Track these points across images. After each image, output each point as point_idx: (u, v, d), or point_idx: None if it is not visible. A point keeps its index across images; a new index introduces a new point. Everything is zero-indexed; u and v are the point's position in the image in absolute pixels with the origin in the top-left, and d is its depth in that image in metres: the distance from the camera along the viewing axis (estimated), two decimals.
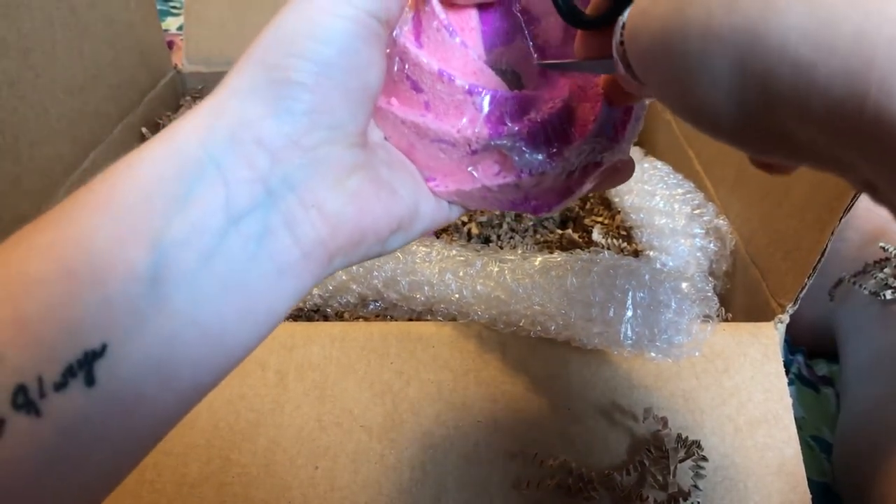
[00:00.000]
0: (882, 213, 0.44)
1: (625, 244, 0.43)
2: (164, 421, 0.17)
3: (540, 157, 0.21)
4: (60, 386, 0.15)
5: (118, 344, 0.15)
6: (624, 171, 0.23)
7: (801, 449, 0.30)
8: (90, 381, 0.15)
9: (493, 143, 0.21)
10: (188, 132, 0.17)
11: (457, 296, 0.33)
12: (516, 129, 0.21)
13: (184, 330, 0.16)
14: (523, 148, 0.21)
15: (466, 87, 0.21)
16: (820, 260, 0.31)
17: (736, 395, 0.31)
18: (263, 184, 0.18)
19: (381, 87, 0.20)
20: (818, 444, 0.41)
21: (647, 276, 0.32)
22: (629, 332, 0.31)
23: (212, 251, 0.17)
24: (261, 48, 0.18)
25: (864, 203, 0.44)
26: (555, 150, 0.21)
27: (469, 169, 0.22)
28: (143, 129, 0.58)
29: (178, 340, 0.16)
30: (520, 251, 0.38)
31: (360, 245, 0.20)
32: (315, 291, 0.38)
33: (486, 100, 0.21)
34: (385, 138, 0.23)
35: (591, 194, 0.50)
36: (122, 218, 0.16)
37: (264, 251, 0.18)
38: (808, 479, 0.30)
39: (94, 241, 0.16)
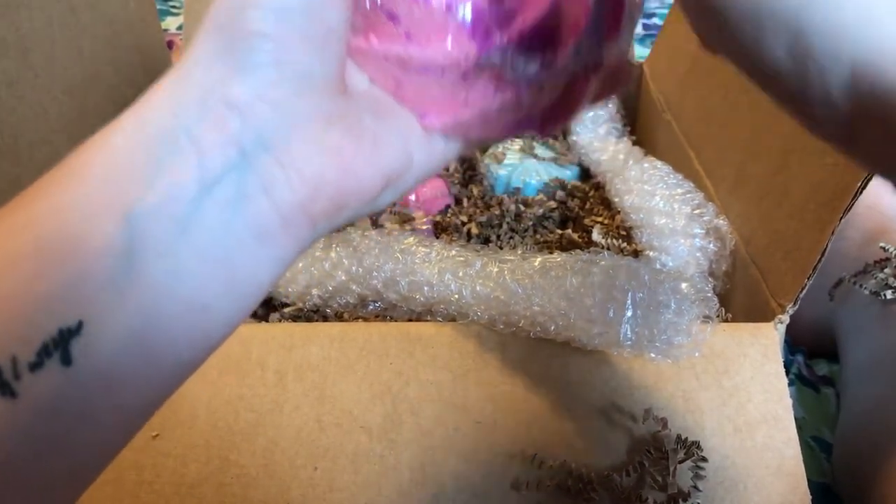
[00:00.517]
0: (883, 212, 0.44)
1: (624, 244, 0.43)
2: (149, 399, 0.17)
3: (535, 65, 0.20)
4: (36, 366, 0.14)
5: (95, 321, 0.15)
6: (623, 73, 0.22)
7: (801, 449, 0.30)
8: (67, 359, 0.15)
9: (483, 60, 0.20)
10: (157, 103, 0.17)
11: (456, 296, 0.33)
12: (505, 39, 0.20)
13: (164, 304, 0.16)
14: (516, 59, 0.20)
15: (444, 3, 0.20)
16: (820, 260, 0.31)
17: (736, 396, 0.31)
18: (236, 146, 0.17)
19: (347, 27, 0.19)
20: (818, 445, 0.41)
21: (646, 277, 0.32)
22: (629, 333, 0.31)
23: (187, 220, 0.16)
24: (216, 12, 0.18)
25: (865, 202, 0.44)
26: (549, 56, 0.20)
27: (463, 95, 0.21)
28: None
29: (158, 315, 0.16)
30: (519, 251, 0.38)
31: (345, 207, 0.19)
32: (315, 292, 0.38)
33: (468, 11, 0.20)
34: (371, 82, 0.21)
35: (591, 194, 0.50)
36: (94, 192, 0.16)
37: (241, 218, 0.17)
38: (808, 480, 0.30)
39: (67, 216, 0.15)
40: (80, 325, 0.15)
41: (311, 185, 0.18)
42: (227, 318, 0.18)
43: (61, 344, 0.15)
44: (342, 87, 0.19)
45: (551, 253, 0.36)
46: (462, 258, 0.35)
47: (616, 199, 0.46)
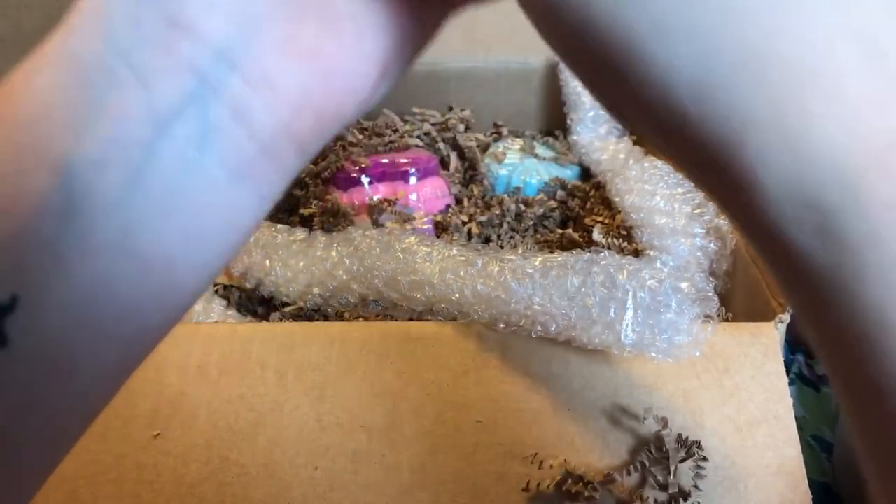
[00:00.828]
0: None
1: (625, 244, 0.43)
2: (110, 376, 0.15)
3: None
4: None
5: (33, 293, 0.13)
6: None
7: (802, 449, 0.30)
8: (2, 340, 0.13)
9: None
10: (83, 27, 0.14)
11: (457, 295, 0.33)
12: None
13: (117, 266, 0.14)
14: None
15: None
16: None
17: (736, 395, 0.31)
18: (192, 71, 0.14)
19: None
20: (819, 444, 0.41)
21: (647, 276, 0.32)
22: (629, 332, 0.31)
23: (139, 168, 0.13)
24: None
25: None
26: None
27: None
28: None
29: (112, 280, 0.14)
30: (520, 251, 0.38)
31: (337, 116, 0.16)
32: (316, 291, 0.38)
33: None
34: None
35: (591, 194, 0.50)
36: (19, 141, 0.13)
37: (210, 155, 0.14)
38: (809, 479, 0.30)
39: None
40: (13, 300, 0.13)
41: (292, 101, 0.15)
42: (198, 273, 0.15)
43: None
44: None
45: (552, 252, 0.36)
46: (463, 257, 0.35)
47: (616, 199, 0.46)
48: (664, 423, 0.30)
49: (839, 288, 0.12)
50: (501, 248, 0.45)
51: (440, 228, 0.48)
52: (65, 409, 0.14)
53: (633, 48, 0.12)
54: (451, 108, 0.60)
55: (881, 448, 0.13)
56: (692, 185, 0.45)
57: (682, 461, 0.29)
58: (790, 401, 0.31)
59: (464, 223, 0.48)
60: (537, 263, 0.33)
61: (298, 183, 0.49)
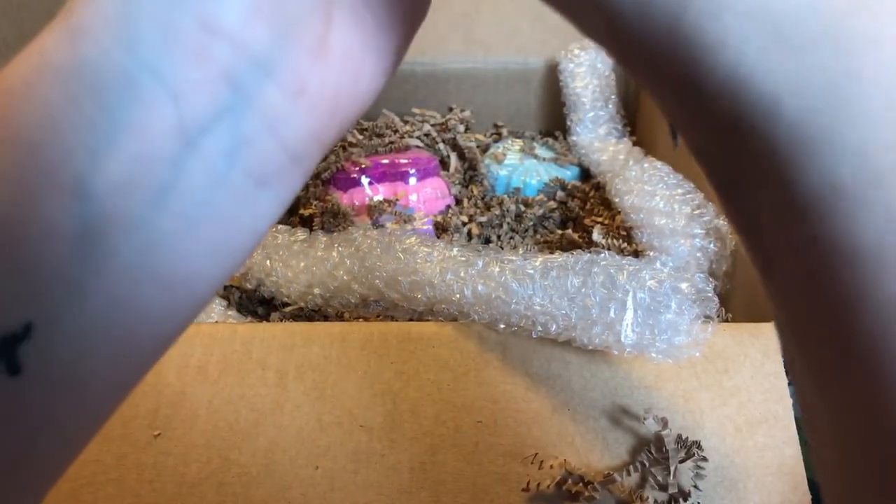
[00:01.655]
0: None
1: (625, 244, 0.43)
2: (119, 389, 0.15)
3: None
4: None
5: (47, 321, 0.12)
6: None
7: (802, 448, 0.30)
8: (14, 368, 0.12)
9: None
10: (97, 31, 0.12)
11: (458, 296, 0.33)
12: None
13: (139, 287, 0.13)
14: None
15: None
16: None
17: (736, 396, 0.31)
18: (228, 80, 0.13)
19: None
20: None
21: (647, 277, 0.32)
22: (629, 333, 0.31)
23: (166, 187, 0.13)
24: None
25: None
26: None
27: None
28: None
29: (129, 301, 0.13)
30: (520, 251, 0.38)
31: (356, 116, 0.16)
32: (316, 291, 0.38)
33: None
34: None
35: (591, 195, 0.50)
36: (25, 162, 0.12)
37: (239, 166, 0.13)
38: (809, 479, 0.30)
39: None
40: (27, 329, 0.12)
41: (326, 108, 0.14)
42: (216, 279, 0.14)
43: (6, 352, 0.12)
44: None
45: (552, 253, 0.36)
46: (463, 258, 0.35)
47: (616, 200, 0.46)
48: (664, 423, 0.30)
49: (808, 139, 0.10)
50: (501, 248, 0.45)
51: (440, 229, 0.48)
52: (75, 427, 0.14)
53: None
54: (450, 109, 0.60)
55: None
56: (692, 185, 0.45)
57: (681, 461, 0.29)
58: (790, 401, 0.31)
59: (464, 224, 0.48)
60: (538, 264, 0.33)
61: None
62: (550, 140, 0.59)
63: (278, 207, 0.15)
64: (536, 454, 0.30)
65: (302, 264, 0.39)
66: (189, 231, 0.13)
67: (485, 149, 0.58)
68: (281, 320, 0.40)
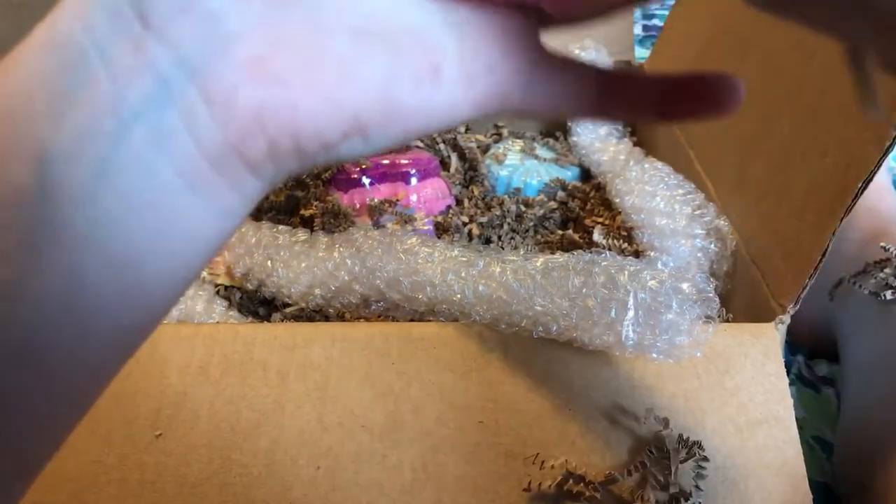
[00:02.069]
0: (883, 213, 0.45)
1: (626, 245, 0.43)
2: (91, 377, 0.15)
3: None
4: None
5: (9, 283, 0.13)
6: None
7: (802, 449, 0.30)
8: None
9: None
10: (69, 13, 0.14)
11: (459, 296, 0.33)
12: None
13: (88, 259, 0.13)
14: None
15: None
16: (821, 261, 0.31)
17: (737, 396, 0.31)
18: (154, 73, 0.14)
19: None
20: (819, 445, 0.41)
21: (648, 277, 0.32)
22: (630, 333, 0.31)
23: (106, 162, 0.13)
24: None
25: (865, 203, 0.44)
26: None
27: None
28: None
29: (84, 273, 0.13)
30: (521, 252, 0.38)
31: (294, 151, 0.15)
32: (317, 292, 0.38)
33: None
34: None
35: (591, 195, 0.50)
36: (2, 128, 0.13)
37: (165, 159, 0.14)
38: (809, 480, 0.30)
39: None
40: None
41: (244, 124, 0.14)
42: (167, 277, 0.15)
43: None
44: None
45: (553, 253, 0.36)
46: (465, 258, 0.35)
47: (617, 200, 0.46)
48: (665, 423, 0.30)
49: None
50: (502, 248, 0.45)
51: (441, 229, 0.48)
52: (46, 409, 0.14)
53: None
54: None
55: None
56: (693, 186, 0.45)
57: (682, 461, 0.30)
58: (791, 401, 0.31)
59: (464, 224, 0.48)
60: (538, 264, 0.33)
61: (299, 184, 0.49)
62: (551, 140, 0.59)
63: (219, 218, 0.15)
64: (538, 454, 0.30)
65: (303, 265, 0.39)
66: (128, 214, 0.14)
67: (485, 149, 0.58)
68: (282, 321, 0.40)
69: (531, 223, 0.49)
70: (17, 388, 0.13)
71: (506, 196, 0.52)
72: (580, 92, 0.18)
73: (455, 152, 0.56)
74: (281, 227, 0.43)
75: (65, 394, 0.14)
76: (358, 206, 0.48)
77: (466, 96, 0.16)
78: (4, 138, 0.13)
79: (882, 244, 0.41)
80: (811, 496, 0.29)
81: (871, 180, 0.29)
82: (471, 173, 0.55)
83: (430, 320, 0.35)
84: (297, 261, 0.40)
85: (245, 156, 0.15)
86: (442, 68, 0.16)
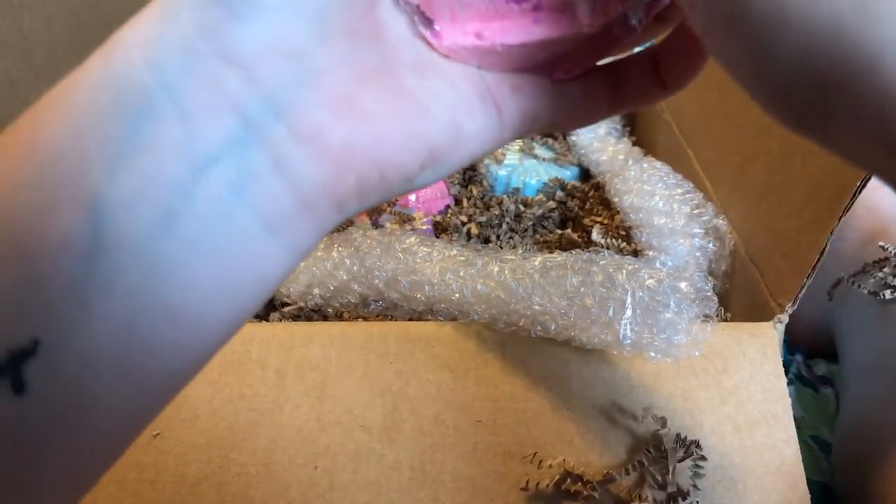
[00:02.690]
0: (882, 213, 0.45)
1: (624, 244, 0.43)
2: (130, 422, 0.14)
3: None
4: None
5: (55, 337, 0.12)
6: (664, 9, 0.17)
7: (801, 448, 0.30)
8: (19, 387, 0.12)
9: None
10: (130, 47, 0.13)
11: (457, 295, 0.33)
12: None
13: (144, 312, 0.13)
14: None
15: None
16: (819, 260, 0.31)
17: (735, 395, 0.31)
18: (237, 112, 0.13)
19: None
20: (817, 444, 0.41)
21: (646, 276, 0.32)
22: (628, 332, 0.31)
23: (173, 210, 0.13)
24: None
25: (864, 203, 0.44)
26: None
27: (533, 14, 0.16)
28: None
29: (137, 325, 0.13)
30: (520, 251, 0.38)
31: (378, 185, 0.15)
32: (316, 291, 0.38)
33: None
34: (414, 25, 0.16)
35: (590, 194, 0.50)
36: (49, 170, 0.12)
37: (246, 204, 0.13)
38: (808, 479, 0.30)
39: (15, 204, 0.12)
40: (35, 345, 0.12)
41: (337, 160, 0.14)
42: (227, 321, 0.14)
43: (11, 368, 0.12)
44: (376, 30, 0.15)
45: (551, 253, 0.36)
46: (463, 258, 0.35)
47: (615, 199, 0.46)
48: (663, 422, 0.30)
49: None
50: (501, 248, 0.45)
51: (439, 229, 0.48)
52: (81, 455, 0.14)
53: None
54: None
55: None
56: (691, 185, 0.45)
57: (680, 461, 0.30)
58: (789, 400, 0.31)
59: (463, 224, 0.48)
60: (537, 263, 0.33)
61: None
62: (550, 140, 0.59)
63: (291, 257, 0.15)
64: (535, 453, 0.30)
65: (302, 264, 0.39)
66: (195, 262, 0.13)
67: None
68: (280, 320, 0.40)
69: (530, 223, 0.49)
70: (53, 440, 0.13)
71: (504, 196, 0.52)
72: (598, 95, 0.18)
73: None
74: None
75: (100, 442, 0.14)
76: None
77: (514, 117, 0.17)
78: (55, 183, 0.12)
79: (881, 244, 0.41)
80: (809, 495, 0.29)
81: (869, 179, 0.29)
82: (469, 173, 0.55)
83: (428, 319, 0.35)
84: None
85: (336, 193, 0.15)
86: (487, 95, 0.16)
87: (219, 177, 0.13)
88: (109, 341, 0.13)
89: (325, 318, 0.40)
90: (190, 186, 0.13)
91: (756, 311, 0.36)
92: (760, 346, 0.32)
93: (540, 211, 0.49)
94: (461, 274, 0.34)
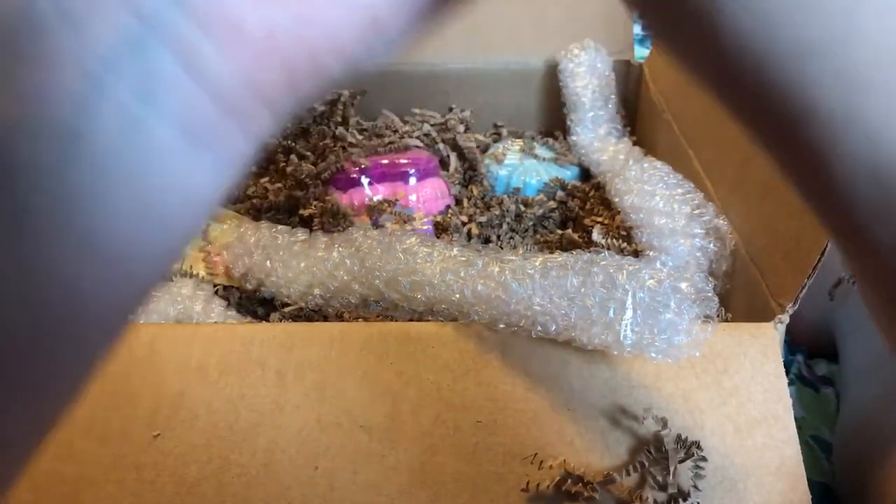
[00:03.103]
0: None
1: (625, 244, 0.43)
2: (66, 361, 0.13)
3: None
4: None
5: None
6: None
7: (801, 449, 0.30)
8: None
9: None
10: None
11: (457, 296, 0.33)
12: None
13: (54, 251, 0.11)
14: None
15: None
16: (820, 260, 0.31)
17: (736, 395, 0.31)
18: (129, 7, 0.11)
19: None
20: (818, 444, 0.41)
21: (646, 277, 0.32)
22: (629, 333, 0.31)
23: (74, 129, 0.11)
24: None
25: None
26: None
27: None
28: None
29: (48, 266, 0.11)
30: (520, 251, 0.38)
31: (311, 72, 0.13)
32: (317, 292, 0.38)
33: None
34: None
35: (591, 195, 0.50)
36: None
37: (159, 114, 0.12)
38: (808, 479, 0.30)
39: None
40: None
41: (256, 49, 0.12)
42: (157, 255, 0.13)
43: None
44: None
45: (551, 253, 0.36)
46: (463, 258, 0.35)
47: (616, 200, 0.46)
48: (663, 423, 0.30)
49: None
50: (501, 248, 0.45)
51: (440, 229, 0.48)
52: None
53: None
54: (450, 109, 0.60)
55: None
56: (692, 185, 0.45)
57: (681, 461, 0.29)
58: (789, 401, 0.31)
59: (463, 224, 0.48)
60: (537, 264, 0.33)
61: (298, 184, 0.49)
62: (550, 140, 0.59)
63: (220, 174, 0.13)
64: (536, 454, 0.30)
65: (302, 265, 0.39)
66: (110, 189, 0.11)
67: (485, 149, 0.58)
68: (280, 321, 0.40)
69: (530, 223, 0.49)
70: None
71: (505, 196, 0.52)
72: None
73: (454, 152, 0.56)
74: (280, 226, 0.43)
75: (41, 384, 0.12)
76: (357, 205, 0.48)
77: None
78: None
79: None
80: (810, 496, 0.29)
81: None
82: (470, 173, 0.55)
83: (428, 320, 0.35)
84: (296, 261, 0.40)
85: (261, 88, 0.13)
86: None
87: (122, 86, 0.11)
88: (15, 286, 0.11)
89: (326, 318, 0.40)
90: (90, 101, 0.11)
91: (757, 312, 0.36)
92: (761, 347, 0.32)
93: (540, 211, 0.49)
94: (461, 274, 0.34)
